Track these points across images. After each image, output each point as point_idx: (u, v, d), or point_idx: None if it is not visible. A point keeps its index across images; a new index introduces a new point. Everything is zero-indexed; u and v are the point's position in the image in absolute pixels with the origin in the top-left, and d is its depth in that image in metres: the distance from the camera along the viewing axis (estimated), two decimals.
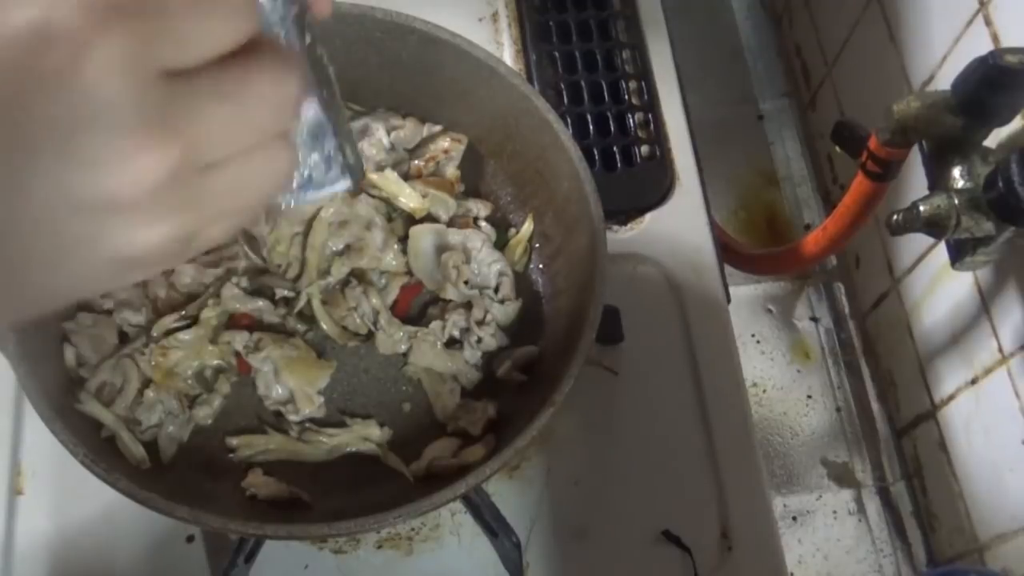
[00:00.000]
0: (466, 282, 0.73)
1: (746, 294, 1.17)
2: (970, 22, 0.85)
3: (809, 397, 1.13)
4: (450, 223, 0.75)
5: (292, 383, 0.68)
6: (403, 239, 0.74)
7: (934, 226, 0.69)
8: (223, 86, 0.30)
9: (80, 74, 0.27)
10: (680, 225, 0.86)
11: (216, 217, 0.32)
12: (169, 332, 0.68)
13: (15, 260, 0.29)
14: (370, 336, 0.72)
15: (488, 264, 0.73)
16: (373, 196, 0.74)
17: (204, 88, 0.30)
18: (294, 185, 0.39)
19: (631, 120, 0.90)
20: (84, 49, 0.27)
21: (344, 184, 0.39)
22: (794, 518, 1.06)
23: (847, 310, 1.18)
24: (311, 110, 0.38)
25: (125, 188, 0.29)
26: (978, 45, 0.83)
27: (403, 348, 0.71)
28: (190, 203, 0.30)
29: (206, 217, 0.31)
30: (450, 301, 0.73)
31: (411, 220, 0.74)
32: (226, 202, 0.32)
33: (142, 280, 0.31)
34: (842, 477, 1.09)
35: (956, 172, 0.70)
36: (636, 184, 0.88)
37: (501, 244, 0.75)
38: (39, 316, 0.33)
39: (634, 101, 0.92)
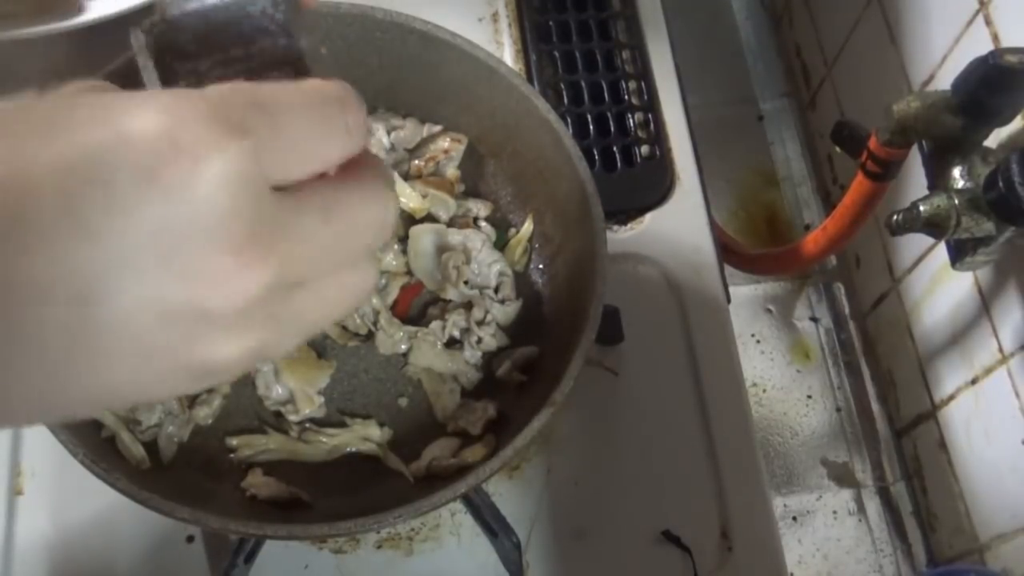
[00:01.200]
0: (466, 282, 0.73)
1: (746, 294, 1.17)
2: (970, 22, 0.85)
3: (809, 397, 1.13)
4: (450, 223, 0.75)
5: (292, 383, 0.68)
6: (403, 239, 0.74)
7: (934, 226, 0.69)
8: (330, 208, 0.30)
9: (195, 185, 0.27)
10: (680, 225, 0.86)
11: (297, 332, 0.32)
12: None
13: (94, 357, 0.28)
14: (370, 336, 0.72)
15: (488, 264, 0.73)
16: None
17: (312, 208, 0.30)
18: None
19: (631, 120, 0.90)
20: (203, 161, 0.27)
21: None
22: (794, 518, 1.06)
23: (847, 310, 1.18)
24: None
25: (219, 302, 0.28)
26: (978, 45, 0.83)
27: (403, 348, 0.71)
28: (275, 318, 0.30)
29: (287, 332, 0.31)
30: (450, 301, 0.73)
31: (411, 220, 0.74)
32: (310, 318, 0.32)
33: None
34: (842, 477, 1.09)
35: (956, 172, 0.70)
36: (636, 184, 0.88)
37: (501, 244, 0.75)
38: (99, 413, 0.32)
39: (634, 101, 0.92)
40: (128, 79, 0.32)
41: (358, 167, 0.32)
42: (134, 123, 0.27)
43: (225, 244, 0.28)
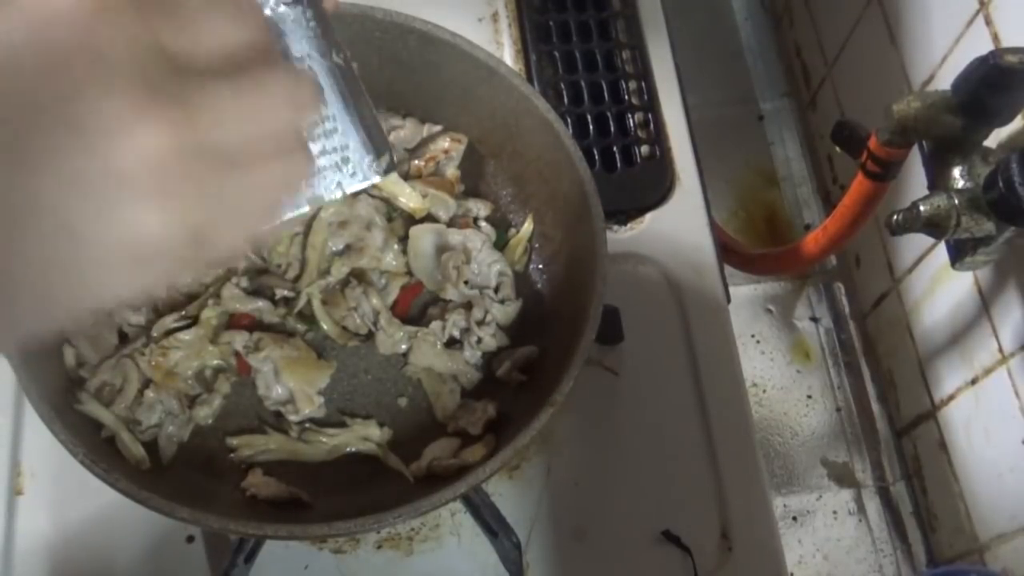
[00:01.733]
0: (466, 282, 0.73)
1: (746, 294, 1.17)
2: (970, 22, 0.85)
3: (809, 397, 1.13)
4: (450, 223, 0.75)
5: (292, 383, 0.68)
6: (403, 239, 0.74)
7: (934, 226, 0.69)
8: (238, 82, 0.31)
9: (86, 47, 0.28)
10: (680, 225, 0.86)
11: (228, 218, 0.32)
12: (169, 332, 0.68)
13: (26, 256, 0.29)
14: (370, 336, 0.72)
15: (488, 264, 0.73)
16: (373, 196, 0.74)
17: (218, 80, 0.31)
18: (333, 180, 0.41)
19: (631, 120, 0.90)
20: (91, 27, 0.28)
21: (381, 170, 0.42)
22: (794, 518, 1.06)
23: (847, 310, 1.18)
24: (336, 104, 0.40)
25: (128, 160, 0.29)
26: (978, 45, 0.83)
27: (403, 348, 0.71)
28: (201, 195, 0.30)
29: (217, 215, 0.31)
30: (450, 301, 0.73)
31: (411, 220, 0.74)
32: (238, 202, 0.32)
33: (157, 284, 0.32)
34: (842, 477, 1.09)
35: (956, 172, 0.70)
36: (636, 184, 0.88)
37: (501, 244, 0.75)
38: (55, 330, 0.32)
39: (634, 101, 0.92)
40: None
41: (270, 62, 0.33)
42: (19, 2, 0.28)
43: (123, 98, 0.28)
